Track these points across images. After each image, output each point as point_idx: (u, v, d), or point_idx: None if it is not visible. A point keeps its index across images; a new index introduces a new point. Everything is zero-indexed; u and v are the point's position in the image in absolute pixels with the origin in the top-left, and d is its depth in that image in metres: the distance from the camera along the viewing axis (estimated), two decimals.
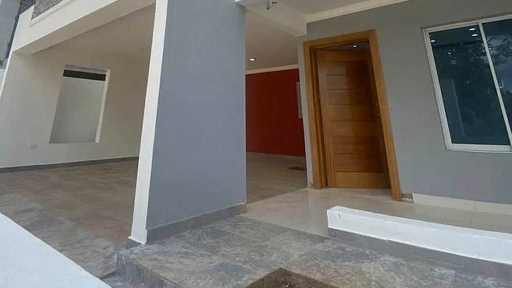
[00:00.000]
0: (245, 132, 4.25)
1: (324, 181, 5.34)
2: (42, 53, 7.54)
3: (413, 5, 4.67)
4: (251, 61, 9.30)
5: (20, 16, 8.12)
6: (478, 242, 2.19)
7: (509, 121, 3.92)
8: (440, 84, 4.47)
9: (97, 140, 8.55)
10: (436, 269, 2.23)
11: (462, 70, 4.53)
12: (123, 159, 8.72)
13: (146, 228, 2.86)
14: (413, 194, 4.35)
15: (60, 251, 2.06)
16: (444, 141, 4.24)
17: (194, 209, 3.34)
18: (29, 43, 6.79)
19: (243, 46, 4.49)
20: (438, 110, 4.36)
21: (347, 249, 2.62)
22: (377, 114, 5.10)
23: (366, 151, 5.33)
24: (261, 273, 2.25)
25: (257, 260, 2.44)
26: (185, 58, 3.56)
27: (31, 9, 7.30)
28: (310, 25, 5.83)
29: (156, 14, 3.55)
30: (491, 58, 4.13)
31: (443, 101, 4.41)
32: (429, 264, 2.29)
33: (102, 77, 9.53)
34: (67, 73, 8.70)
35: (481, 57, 4.30)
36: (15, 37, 7.79)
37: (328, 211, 2.96)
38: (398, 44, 4.78)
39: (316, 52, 5.83)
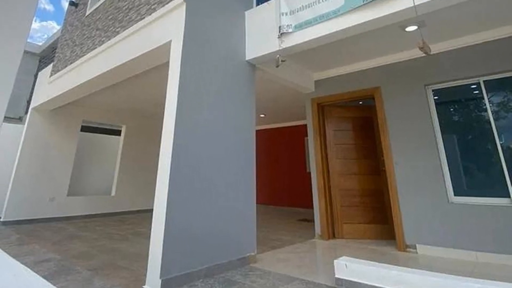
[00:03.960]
0: (255, 185, 4.31)
1: (332, 233, 5.39)
2: (60, 109, 7.74)
3: (416, 64, 4.88)
4: (261, 117, 9.50)
5: (39, 73, 8.34)
6: None
7: (509, 175, 4.02)
8: (443, 139, 4.60)
9: (113, 193, 8.67)
10: None
11: (464, 126, 4.61)
12: (138, 211, 8.78)
13: (160, 278, 2.92)
14: (417, 245, 4.40)
15: None
16: (447, 194, 4.34)
17: (206, 259, 3.39)
18: (47, 99, 6.94)
19: (253, 102, 4.60)
20: (441, 164, 4.47)
21: None
22: (382, 168, 5.22)
23: (371, 204, 5.41)
24: None
25: None
26: (197, 114, 3.64)
27: (49, 67, 7.53)
28: (318, 82, 6.06)
29: (169, 71, 3.66)
30: (492, 114, 4.29)
31: (446, 155, 4.53)
32: None
33: (117, 133, 9.75)
34: (84, 129, 8.94)
35: (482, 113, 4.42)
36: (34, 94, 7.98)
37: (335, 261, 3.05)
38: (402, 101, 4.94)
39: (323, 108, 6.03)
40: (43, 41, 13.21)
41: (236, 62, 4.43)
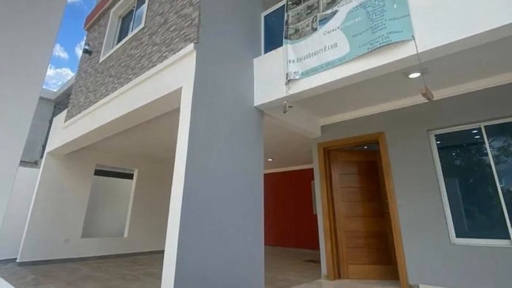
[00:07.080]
0: (263, 227, 4.37)
1: (337, 273, 5.43)
2: (74, 153, 7.93)
3: (419, 109, 5.04)
4: (269, 161, 9.67)
5: (54, 119, 8.56)
6: None
7: (509, 217, 4.12)
8: (445, 182, 4.72)
9: (125, 234, 8.77)
10: None
11: (466, 170, 4.67)
12: (150, 252, 8.85)
13: None
14: (420, 285, 4.44)
15: None
16: (449, 236, 4.43)
17: None
18: (62, 144, 7.07)
19: (261, 147, 4.64)
20: (443, 207, 4.58)
21: None
22: (386, 211, 5.35)
23: (376, 245, 5.48)
24: None
25: None
26: (207, 159, 3.68)
27: (64, 113, 7.76)
28: (324, 128, 6.24)
29: (180, 117, 3.70)
30: (493, 158, 4.40)
31: (448, 198, 4.64)
32: None
33: (130, 176, 10.00)
34: (98, 172, 9.19)
35: (483, 157, 4.53)
36: (49, 138, 8.14)
37: None
38: (406, 146, 5.08)
39: (329, 153, 6.19)
40: (58, 88, 13.55)
41: (245, 108, 4.51)
